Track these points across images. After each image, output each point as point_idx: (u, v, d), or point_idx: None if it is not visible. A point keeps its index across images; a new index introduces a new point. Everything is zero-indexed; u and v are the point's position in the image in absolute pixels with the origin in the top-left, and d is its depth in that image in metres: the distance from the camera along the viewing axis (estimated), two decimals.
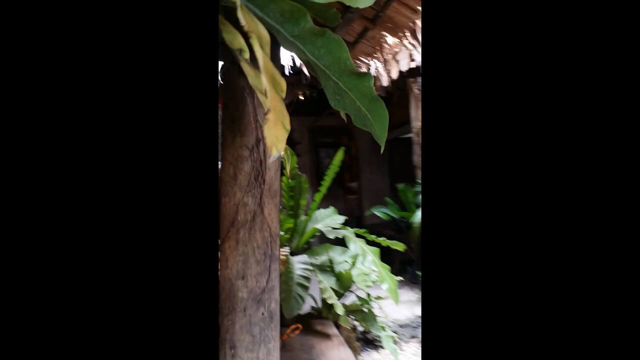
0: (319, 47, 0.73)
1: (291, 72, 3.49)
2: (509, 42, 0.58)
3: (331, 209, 2.91)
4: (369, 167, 6.12)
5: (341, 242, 2.48)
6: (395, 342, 2.68)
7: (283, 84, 0.62)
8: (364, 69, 3.14)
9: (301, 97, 5.67)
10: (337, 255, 2.52)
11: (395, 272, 4.50)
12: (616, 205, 0.54)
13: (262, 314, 0.93)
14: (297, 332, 1.48)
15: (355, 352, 2.43)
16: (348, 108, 0.78)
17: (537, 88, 0.57)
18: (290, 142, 5.78)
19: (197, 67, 0.61)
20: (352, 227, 2.70)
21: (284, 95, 0.62)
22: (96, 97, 0.57)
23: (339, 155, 2.52)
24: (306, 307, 2.56)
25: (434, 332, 0.59)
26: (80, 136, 0.57)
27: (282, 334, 1.42)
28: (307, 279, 2.04)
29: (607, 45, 0.55)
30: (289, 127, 0.63)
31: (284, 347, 1.92)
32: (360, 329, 2.81)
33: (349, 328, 2.32)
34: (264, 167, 0.93)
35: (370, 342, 2.92)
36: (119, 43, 0.58)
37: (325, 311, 2.29)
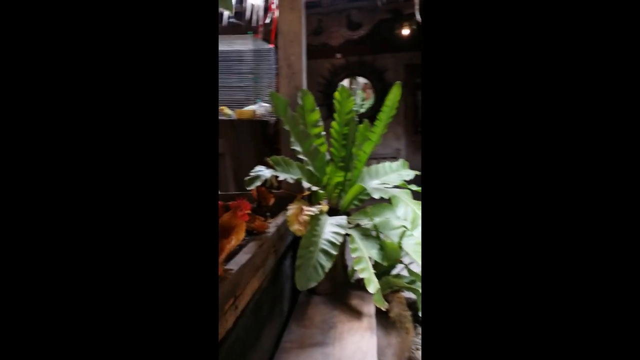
0: None
1: None
2: (509, 42, 0.57)
3: (400, 162, 2.41)
4: None
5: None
6: None
7: None
8: None
9: (406, 31, 4.87)
10: (394, 219, 2.08)
11: None
12: (615, 206, 0.54)
13: None
14: None
15: (408, 334, 2.04)
16: None
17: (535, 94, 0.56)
18: (383, 82, 5.14)
19: (197, 65, 0.62)
20: None
21: None
22: (96, 98, 0.58)
23: (394, 93, 1.97)
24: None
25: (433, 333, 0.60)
26: (79, 134, 0.58)
27: None
28: (336, 245, 1.68)
29: (607, 45, 0.54)
30: None
31: (300, 321, 1.65)
32: None
33: (396, 305, 1.93)
34: None
35: None
36: (117, 45, 0.58)
37: None
